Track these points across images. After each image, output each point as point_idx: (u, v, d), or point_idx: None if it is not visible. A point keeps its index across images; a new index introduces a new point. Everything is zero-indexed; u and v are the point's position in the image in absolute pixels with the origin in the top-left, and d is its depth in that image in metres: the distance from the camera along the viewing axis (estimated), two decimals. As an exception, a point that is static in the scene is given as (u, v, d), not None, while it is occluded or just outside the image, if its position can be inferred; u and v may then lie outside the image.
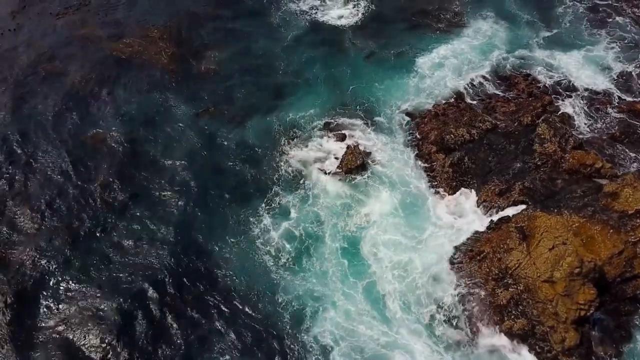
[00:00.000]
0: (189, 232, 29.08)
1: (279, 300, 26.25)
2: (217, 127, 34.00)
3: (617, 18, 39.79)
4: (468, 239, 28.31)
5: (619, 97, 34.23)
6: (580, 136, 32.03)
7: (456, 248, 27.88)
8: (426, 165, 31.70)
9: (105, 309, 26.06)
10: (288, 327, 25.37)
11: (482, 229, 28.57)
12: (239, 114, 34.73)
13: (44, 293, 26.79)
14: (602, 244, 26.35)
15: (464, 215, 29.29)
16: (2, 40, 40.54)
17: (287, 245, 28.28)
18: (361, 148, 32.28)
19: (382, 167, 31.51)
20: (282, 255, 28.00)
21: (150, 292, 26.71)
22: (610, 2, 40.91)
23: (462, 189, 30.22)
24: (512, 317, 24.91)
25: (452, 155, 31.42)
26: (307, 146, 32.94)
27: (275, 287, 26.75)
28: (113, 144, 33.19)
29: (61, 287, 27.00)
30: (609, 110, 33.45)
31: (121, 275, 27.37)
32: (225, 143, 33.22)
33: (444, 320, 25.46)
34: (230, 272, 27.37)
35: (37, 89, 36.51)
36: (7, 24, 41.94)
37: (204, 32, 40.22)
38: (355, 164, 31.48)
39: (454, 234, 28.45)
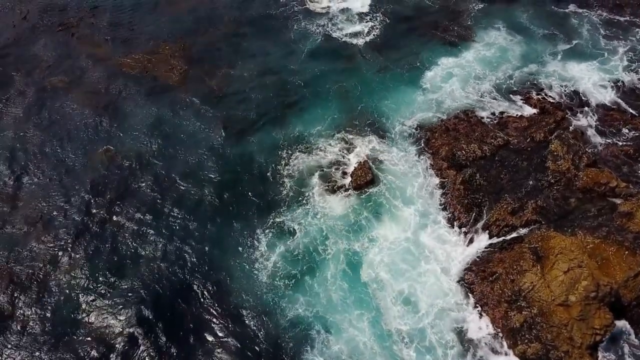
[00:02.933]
0: (193, 250, 28.79)
1: (280, 324, 25.82)
2: (227, 144, 33.71)
3: (633, 32, 39.16)
4: (480, 258, 27.86)
5: (633, 113, 33.66)
6: (594, 151, 31.60)
7: (467, 269, 27.41)
8: (437, 182, 31.24)
9: (105, 329, 25.92)
10: (291, 352, 24.95)
11: (493, 249, 28.10)
12: (250, 130, 34.46)
13: (50, 305, 26.92)
14: (617, 266, 25.90)
15: (475, 236, 28.77)
16: (2, 49, 40.01)
17: (290, 267, 27.79)
18: (370, 163, 31.93)
19: (391, 184, 31.13)
20: (284, 277, 27.43)
21: (149, 309, 26.63)
22: (627, 17, 40.30)
23: (474, 207, 29.71)
24: (526, 341, 24.41)
25: (463, 172, 30.91)
26: (316, 161, 32.62)
27: (277, 309, 26.29)
28: (121, 161, 32.97)
29: (63, 298, 27.07)
30: (624, 126, 32.92)
31: (120, 292, 27.28)
32: (235, 159, 32.93)
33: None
34: (232, 292, 27.03)
35: (42, 102, 36.18)
36: (8, 33, 41.30)
37: (217, 50, 39.79)
38: (364, 180, 31.13)
39: (463, 256, 27.95)
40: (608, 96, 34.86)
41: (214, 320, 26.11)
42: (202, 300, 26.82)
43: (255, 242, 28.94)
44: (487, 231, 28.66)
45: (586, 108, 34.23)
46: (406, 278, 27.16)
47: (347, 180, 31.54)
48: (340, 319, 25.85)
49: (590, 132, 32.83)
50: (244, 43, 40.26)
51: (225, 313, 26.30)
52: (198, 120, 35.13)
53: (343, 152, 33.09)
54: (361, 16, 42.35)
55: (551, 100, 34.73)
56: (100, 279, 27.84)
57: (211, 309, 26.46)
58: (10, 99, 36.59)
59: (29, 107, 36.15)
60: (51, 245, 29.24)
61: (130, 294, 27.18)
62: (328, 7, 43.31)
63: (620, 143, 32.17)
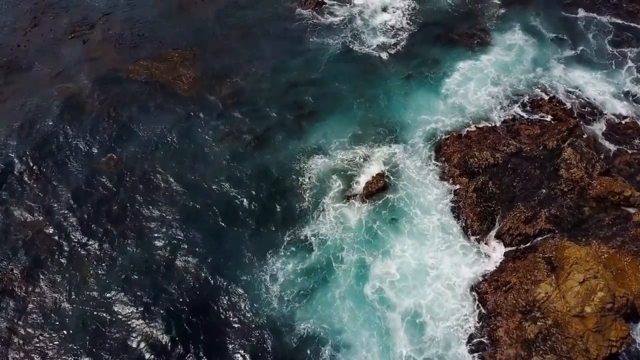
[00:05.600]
0: (201, 265, 28.23)
1: (291, 341, 25.43)
2: (237, 155, 32.90)
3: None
4: (494, 267, 27.72)
5: (646, 121, 33.48)
6: (607, 159, 31.45)
7: (481, 279, 27.26)
8: (451, 189, 30.94)
9: (107, 345, 25.64)
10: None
11: (506, 258, 27.94)
12: (263, 141, 33.66)
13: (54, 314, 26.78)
14: (632, 276, 25.84)
15: (489, 247, 28.54)
16: (13, 56, 39.53)
17: (303, 282, 27.32)
18: (386, 171, 31.60)
19: (408, 193, 30.61)
20: (297, 292, 26.96)
21: (151, 323, 26.34)
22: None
23: (487, 216, 29.47)
24: (541, 352, 24.25)
25: (475, 180, 30.71)
26: (333, 171, 31.94)
27: (289, 326, 25.90)
28: (126, 170, 32.22)
29: (71, 312, 26.82)
30: (637, 135, 32.69)
31: (122, 307, 26.92)
32: (246, 170, 32.15)
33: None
34: (242, 307, 26.56)
35: (50, 109, 35.56)
36: (18, 40, 40.77)
37: (229, 58, 38.87)
38: (376, 187, 30.84)
39: (473, 268, 27.75)
40: (621, 104, 34.63)
41: (225, 335, 25.76)
42: (212, 316, 26.40)
43: (268, 255, 28.37)
44: (502, 242, 28.49)
45: (599, 116, 34.01)
46: (420, 295, 26.79)
47: (363, 189, 30.89)
48: (352, 338, 25.46)
49: (603, 140, 32.63)
50: (256, 53, 39.42)
51: (236, 328, 25.95)
52: (206, 129, 34.35)
53: (361, 161, 32.38)
54: (383, 26, 41.21)
55: (564, 107, 34.44)
56: (101, 291, 27.45)
57: (221, 324, 26.09)
58: (18, 104, 36.03)
59: (35, 113, 35.50)
60: (55, 254, 28.79)
61: (131, 308, 26.85)
62: (348, 17, 42.14)
63: (631, 152, 31.95)
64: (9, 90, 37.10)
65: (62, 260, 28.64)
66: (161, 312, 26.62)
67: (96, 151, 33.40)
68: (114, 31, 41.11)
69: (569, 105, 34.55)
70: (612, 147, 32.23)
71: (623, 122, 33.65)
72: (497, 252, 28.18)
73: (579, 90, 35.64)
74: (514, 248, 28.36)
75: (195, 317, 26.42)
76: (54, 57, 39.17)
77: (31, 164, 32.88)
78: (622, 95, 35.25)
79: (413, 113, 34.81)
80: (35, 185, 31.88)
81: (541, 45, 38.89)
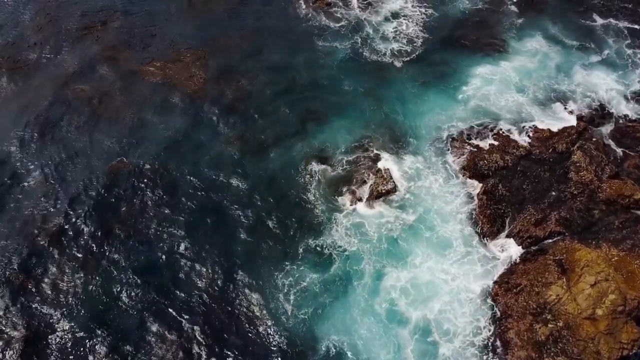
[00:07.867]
0: (212, 274, 27.88)
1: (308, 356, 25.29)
2: (246, 159, 32.57)
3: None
4: (503, 271, 27.87)
5: (656, 125, 33.60)
6: (617, 162, 31.57)
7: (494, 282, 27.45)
8: (467, 194, 30.96)
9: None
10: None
11: (517, 260, 28.09)
12: (269, 143, 33.33)
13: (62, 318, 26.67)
14: (643, 279, 25.87)
15: (499, 250, 28.68)
16: (26, 54, 39.21)
17: (318, 297, 26.94)
18: (400, 176, 31.55)
19: (415, 196, 30.62)
20: (311, 307, 26.59)
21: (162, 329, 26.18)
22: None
23: (497, 218, 29.55)
24: (552, 354, 24.39)
25: (485, 182, 30.82)
26: (342, 178, 31.70)
27: (304, 342, 25.65)
28: (134, 174, 31.88)
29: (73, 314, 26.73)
30: (647, 138, 32.89)
31: (120, 316, 26.54)
32: (255, 174, 31.83)
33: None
34: (255, 324, 26.26)
35: (62, 112, 35.35)
36: (32, 37, 40.44)
37: (240, 60, 38.56)
38: (385, 188, 30.85)
39: (484, 275, 27.86)
40: (630, 108, 34.76)
41: (239, 351, 25.58)
42: (226, 330, 26.09)
43: (278, 268, 27.93)
44: (516, 244, 28.62)
45: (608, 119, 34.16)
46: (429, 308, 26.73)
47: (376, 195, 30.66)
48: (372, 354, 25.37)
49: (613, 143, 32.75)
50: (264, 55, 39.04)
51: (248, 345, 25.72)
52: (215, 132, 34.02)
53: (374, 166, 32.07)
54: (395, 33, 40.62)
55: (572, 110, 34.61)
56: (103, 298, 27.22)
57: (235, 338, 25.88)
58: (32, 104, 35.81)
59: (48, 114, 35.27)
60: (64, 259, 28.55)
61: (135, 319, 26.50)
62: (356, 22, 41.46)
63: (640, 155, 32.13)
64: (24, 89, 36.90)
65: (69, 261, 28.42)
66: (168, 326, 26.18)
67: (107, 153, 33.07)
68: (126, 30, 40.61)
69: (579, 108, 34.70)
70: (622, 150, 32.34)
71: (633, 125, 33.74)
72: (512, 254, 28.28)
73: (591, 93, 35.56)
74: (524, 250, 28.49)
75: (207, 326, 26.22)
76: (68, 56, 38.89)
77: (42, 164, 32.70)
78: (633, 100, 35.33)
79: (429, 119, 34.55)
80: (46, 187, 31.58)
81: (553, 50, 38.80)
